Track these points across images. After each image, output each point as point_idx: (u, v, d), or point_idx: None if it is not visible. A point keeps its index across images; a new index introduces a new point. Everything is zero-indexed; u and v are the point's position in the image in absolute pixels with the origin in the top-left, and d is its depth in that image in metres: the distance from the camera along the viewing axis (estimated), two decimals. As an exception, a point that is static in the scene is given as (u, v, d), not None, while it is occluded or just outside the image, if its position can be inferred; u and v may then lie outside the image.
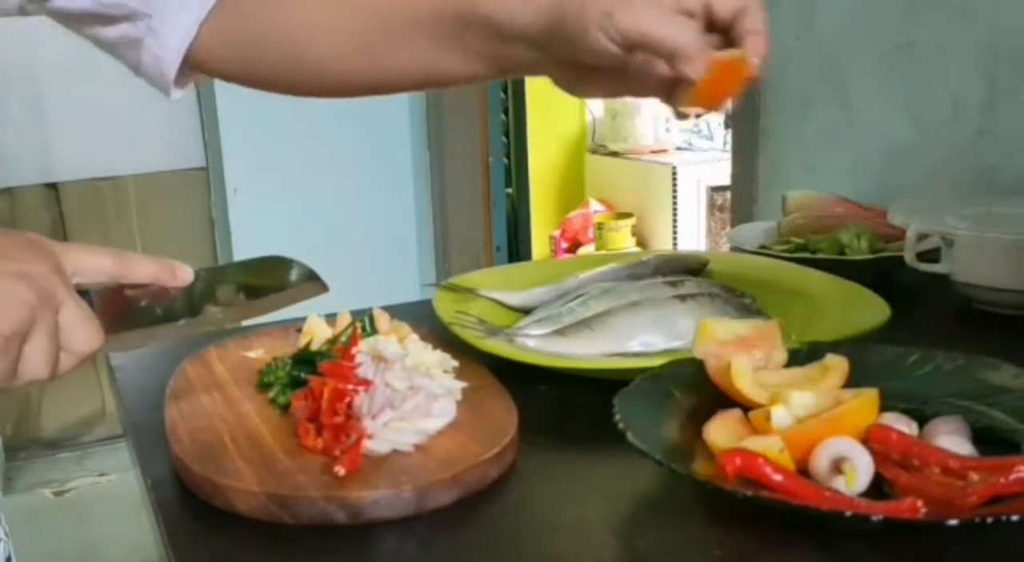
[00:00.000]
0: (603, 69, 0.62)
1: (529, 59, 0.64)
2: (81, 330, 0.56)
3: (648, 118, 3.92)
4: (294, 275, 0.71)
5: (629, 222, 3.93)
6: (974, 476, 0.52)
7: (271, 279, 0.70)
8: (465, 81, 0.70)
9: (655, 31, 0.57)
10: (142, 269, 0.61)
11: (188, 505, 0.59)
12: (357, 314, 0.79)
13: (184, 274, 0.64)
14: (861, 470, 0.54)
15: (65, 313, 0.55)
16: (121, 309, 0.63)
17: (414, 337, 0.75)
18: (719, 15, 0.60)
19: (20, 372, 0.54)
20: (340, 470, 0.56)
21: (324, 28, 0.72)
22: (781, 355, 0.66)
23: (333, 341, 0.73)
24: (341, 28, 0.72)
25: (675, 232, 3.77)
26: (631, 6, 0.58)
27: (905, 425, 0.58)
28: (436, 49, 0.68)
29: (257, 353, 0.79)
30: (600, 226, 3.94)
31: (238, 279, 0.71)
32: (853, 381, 0.63)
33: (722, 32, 0.60)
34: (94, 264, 0.59)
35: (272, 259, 0.72)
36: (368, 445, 0.59)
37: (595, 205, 4.08)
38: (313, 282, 0.71)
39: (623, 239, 3.90)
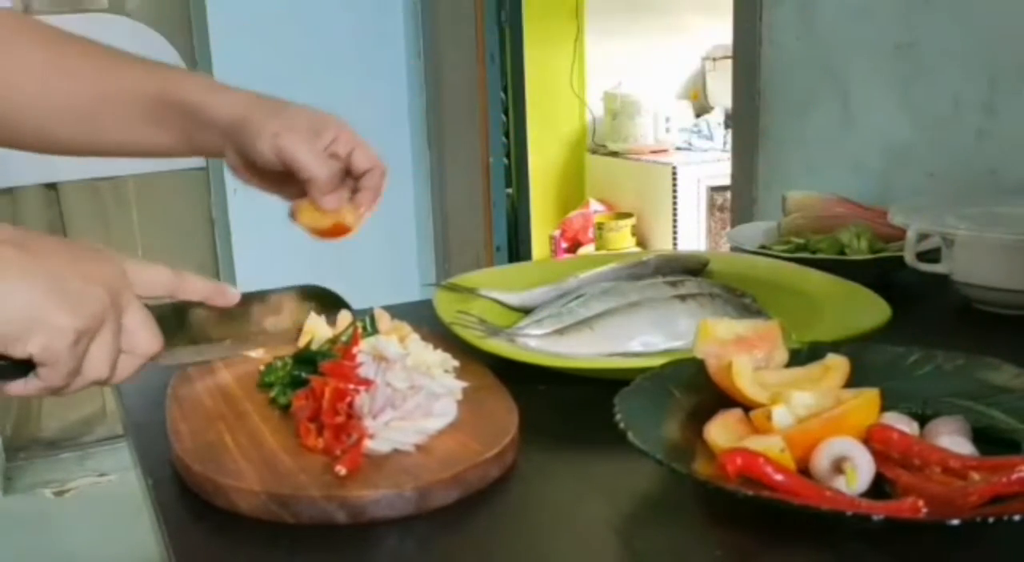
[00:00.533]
0: (267, 171, 0.78)
1: (217, 145, 0.79)
2: (144, 333, 0.60)
3: (648, 118, 3.92)
4: (331, 308, 0.77)
5: (629, 222, 3.93)
6: (975, 476, 0.52)
7: (307, 310, 0.75)
8: (165, 155, 0.83)
9: (304, 160, 0.74)
10: (196, 287, 0.67)
11: (189, 505, 0.59)
12: (358, 314, 0.79)
13: (232, 296, 0.70)
14: (862, 470, 0.54)
15: (130, 316, 0.59)
16: (170, 325, 0.66)
17: (415, 337, 0.75)
18: (354, 167, 0.78)
19: (84, 371, 0.57)
20: (341, 470, 0.56)
21: (41, 102, 0.81)
22: (782, 355, 0.66)
23: (334, 341, 0.73)
24: (57, 104, 0.80)
25: (675, 232, 3.77)
26: (293, 136, 0.74)
27: (906, 425, 0.58)
28: (144, 126, 0.80)
29: (258, 353, 0.79)
30: (600, 226, 3.94)
31: (280, 306, 0.76)
32: (854, 381, 0.63)
33: (355, 179, 0.79)
34: (153, 277, 0.63)
35: (311, 289, 0.78)
36: (369, 445, 0.59)
37: (595, 205, 4.08)
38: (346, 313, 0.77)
39: (623, 239, 3.90)
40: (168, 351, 0.65)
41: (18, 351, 0.54)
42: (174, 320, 0.68)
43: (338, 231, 0.78)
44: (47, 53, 0.80)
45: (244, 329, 0.73)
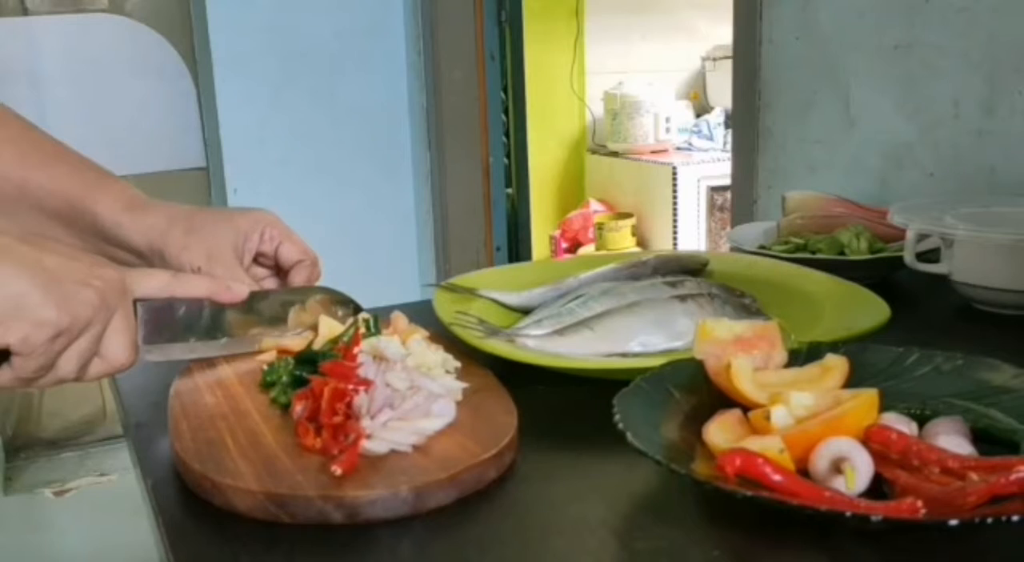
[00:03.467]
0: None
1: (126, 259, 0.80)
2: (119, 342, 0.62)
3: (648, 118, 3.92)
4: (341, 308, 0.79)
5: (629, 222, 3.94)
6: (973, 476, 0.52)
7: (316, 309, 0.78)
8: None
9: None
10: (195, 287, 0.69)
11: (188, 505, 0.59)
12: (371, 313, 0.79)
13: (238, 291, 0.72)
14: (861, 470, 0.53)
15: (113, 324, 0.61)
16: (169, 322, 0.70)
17: (416, 337, 0.75)
18: (282, 262, 0.83)
19: (56, 367, 0.59)
20: (336, 470, 0.56)
21: None
22: (781, 355, 0.66)
23: (335, 341, 0.73)
24: None
25: (675, 232, 3.78)
26: (218, 265, 0.77)
27: (905, 425, 0.58)
28: (60, 226, 0.80)
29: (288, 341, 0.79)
30: (600, 226, 3.94)
31: (287, 306, 0.78)
32: (853, 381, 0.63)
33: (285, 272, 0.83)
34: (150, 281, 0.67)
35: (322, 289, 0.80)
36: (366, 445, 0.59)
37: (595, 205, 4.08)
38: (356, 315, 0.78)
39: (623, 239, 3.91)
40: (157, 348, 0.68)
41: None
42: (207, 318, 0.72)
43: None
44: None
45: (245, 328, 0.75)
